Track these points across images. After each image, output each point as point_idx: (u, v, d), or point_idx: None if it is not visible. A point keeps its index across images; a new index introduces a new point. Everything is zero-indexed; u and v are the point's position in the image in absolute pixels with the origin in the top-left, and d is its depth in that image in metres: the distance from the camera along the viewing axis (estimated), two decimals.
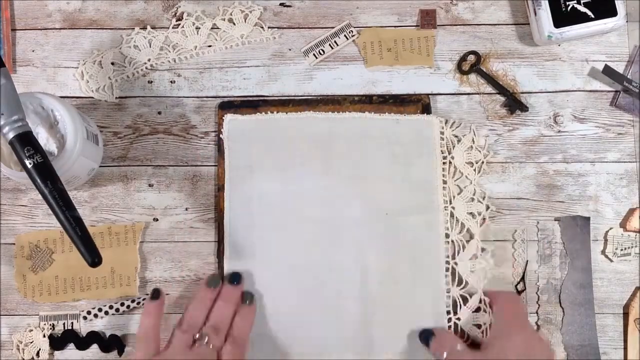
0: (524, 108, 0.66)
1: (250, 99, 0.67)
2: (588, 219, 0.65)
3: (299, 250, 0.63)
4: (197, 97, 0.67)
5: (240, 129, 0.65)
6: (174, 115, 0.67)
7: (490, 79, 0.67)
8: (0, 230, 0.65)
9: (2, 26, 0.67)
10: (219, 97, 0.67)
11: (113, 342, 0.64)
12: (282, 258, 0.63)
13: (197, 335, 0.58)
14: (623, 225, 0.65)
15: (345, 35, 0.68)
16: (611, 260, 0.65)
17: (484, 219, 0.65)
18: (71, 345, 0.64)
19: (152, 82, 0.68)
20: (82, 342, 0.64)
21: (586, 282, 0.64)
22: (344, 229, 0.64)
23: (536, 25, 0.65)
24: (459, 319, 0.63)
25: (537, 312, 0.64)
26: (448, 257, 0.64)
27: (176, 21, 0.68)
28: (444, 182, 0.65)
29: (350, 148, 0.65)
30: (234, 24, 0.68)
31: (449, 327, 0.62)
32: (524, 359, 0.55)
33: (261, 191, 0.64)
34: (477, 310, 0.63)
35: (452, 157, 0.65)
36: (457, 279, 0.63)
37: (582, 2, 0.64)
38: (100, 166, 0.66)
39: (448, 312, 0.63)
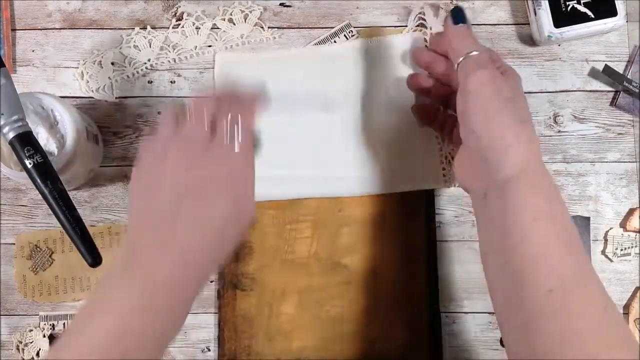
0: None
1: None
2: (588, 219, 0.65)
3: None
4: (197, 97, 0.67)
5: (231, 65, 0.67)
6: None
7: None
8: (0, 230, 0.65)
9: (2, 26, 0.67)
10: None
11: None
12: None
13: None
14: (623, 225, 0.65)
15: (345, 35, 0.68)
16: (611, 260, 0.65)
17: None
18: None
19: (152, 82, 0.68)
20: None
21: None
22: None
23: (536, 25, 0.65)
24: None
25: None
26: None
27: (176, 21, 0.68)
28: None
29: (343, 73, 0.66)
30: (234, 24, 0.68)
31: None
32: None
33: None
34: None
35: None
36: None
37: (582, 2, 0.64)
38: (100, 166, 0.66)
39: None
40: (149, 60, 0.67)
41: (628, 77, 0.66)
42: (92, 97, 0.67)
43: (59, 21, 0.68)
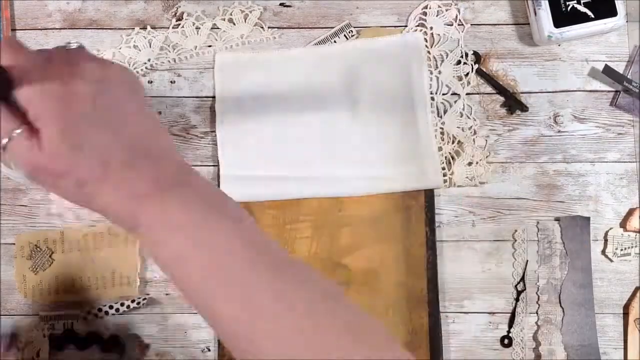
0: (524, 108, 0.66)
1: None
2: (588, 219, 0.65)
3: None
4: (197, 97, 0.67)
5: (231, 65, 0.67)
6: (174, 115, 0.67)
7: (490, 79, 0.67)
8: (0, 230, 0.65)
9: (2, 26, 0.67)
10: None
11: (113, 342, 0.64)
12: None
13: None
14: (623, 225, 0.65)
15: (345, 35, 0.68)
16: (611, 260, 0.65)
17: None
18: (71, 345, 0.64)
19: (152, 82, 0.67)
20: (82, 342, 0.64)
21: (586, 282, 0.64)
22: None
23: (536, 25, 0.65)
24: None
25: (537, 312, 0.64)
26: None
27: (176, 21, 0.68)
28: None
29: (342, 73, 0.66)
30: (234, 24, 0.68)
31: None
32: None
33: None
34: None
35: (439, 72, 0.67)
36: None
37: (582, 2, 0.64)
38: None
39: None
40: (149, 60, 0.67)
41: (628, 77, 0.66)
42: None
43: (59, 21, 0.68)
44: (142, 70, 0.67)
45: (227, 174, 0.65)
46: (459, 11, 0.67)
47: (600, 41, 0.67)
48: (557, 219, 0.65)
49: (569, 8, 0.64)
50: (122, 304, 0.64)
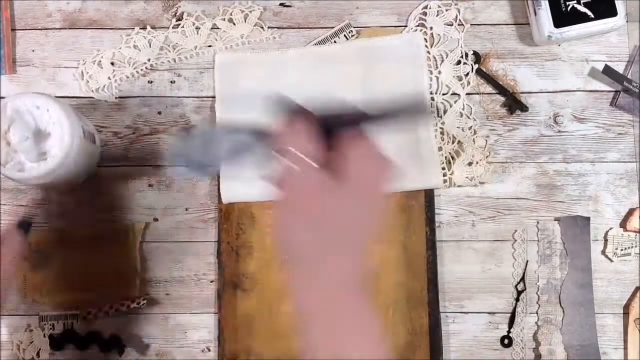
0: (524, 108, 0.66)
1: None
2: (588, 219, 0.65)
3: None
4: (197, 97, 0.67)
5: (230, 65, 0.67)
6: (174, 115, 0.67)
7: (490, 79, 0.67)
8: (0, 230, 0.65)
9: (2, 26, 0.67)
10: None
11: (113, 342, 0.64)
12: None
13: None
14: (623, 225, 0.65)
15: (345, 36, 0.68)
16: (611, 260, 0.65)
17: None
18: (71, 345, 0.64)
19: (152, 82, 0.67)
20: (82, 342, 0.64)
21: (586, 282, 0.64)
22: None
23: (536, 25, 0.65)
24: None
25: (537, 312, 0.64)
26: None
27: (176, 21, 0.68)
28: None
29: (342, 73, 0.66)
30: (234, 24, 0.68)
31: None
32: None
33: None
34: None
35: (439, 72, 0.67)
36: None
37: (582, 2, 0.64)
38: (100, 166, 0.66)
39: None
40: (149, 60, 0.67)
41: (628, 77, 0.66)
42: (92, 97, 0.67)
43: (59, 21, 0.68)
44: (142, 70, 0.67)
45: (227, 175, 0.65)
46: (459, 11, 0.67)
47: (600, 41, 0.67)
48: (557, 219, 0.65)
49: (569, 8, 0.64)
50: (122, 304, 0.64)
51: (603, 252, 0.65)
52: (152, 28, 0.68)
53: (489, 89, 0.67)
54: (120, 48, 0.68)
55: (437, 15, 0.67)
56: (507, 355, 0.64)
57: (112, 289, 0.64)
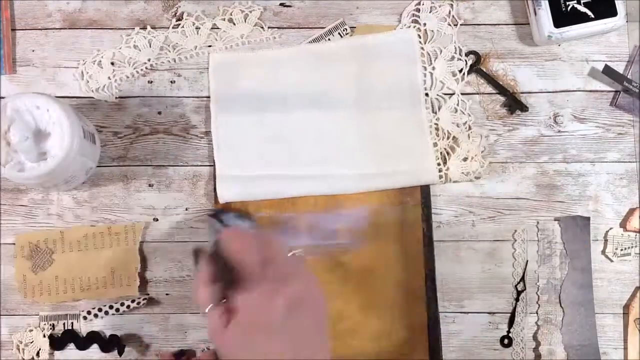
0: (524, 108, 0.66)
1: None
2: (588, 219, 0.65)
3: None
4: (197, 97, 0.67)
5: (225, 65, 0.67)
6: (174, 115, 0.67)
7: (490, 79, 0.67)
8: (0, 230, 0.65)
9: (2, 26, 0.67)
10: None
11: (113, 342, 0.64)
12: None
13: None
14: (623, 225, 0.65)
15: (339, 33, 0.68)
16: (611, 260, 0.65)
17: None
18: (71, 345, 0.64)
19: (152, 82, 0.68)
20: (82, 342, 0.64)
21: (586, 282, 0.64)
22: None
23: (536, 25, 0.65)
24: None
25: (537, 312, 0.64)
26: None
27: (176, 21, 0.68)
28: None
29: (337, 71, 0.66)
30: (234, 24, 0.68)
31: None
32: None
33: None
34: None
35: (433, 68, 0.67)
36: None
37: (582, 2, 0.64)
38: (100, 166, 0.66)
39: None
40: (149, 60, 0.67)
41: (628, 77, 0.66)
42: (92, 97, 0.67)
43: (59, 21, 0.68)
44: (142, 70, 0.67)
45: (223, 174, 0.65)
46: (452, 7, 0.67)
47: (600, 41, 0.67)
48: (557, 219, 0.65)
49: (569, 8, 0.64)
50: (122, 304, 0.64)
51: (603, 252, 0.65)
52: (152, 28, 0.68)
53: (489, 89, 0.67)
54: (120, 48, 0.68)
55: (430, 12, 0.67)
56: (507, 355, 0.64)
57: (112, 289, 0.64)
